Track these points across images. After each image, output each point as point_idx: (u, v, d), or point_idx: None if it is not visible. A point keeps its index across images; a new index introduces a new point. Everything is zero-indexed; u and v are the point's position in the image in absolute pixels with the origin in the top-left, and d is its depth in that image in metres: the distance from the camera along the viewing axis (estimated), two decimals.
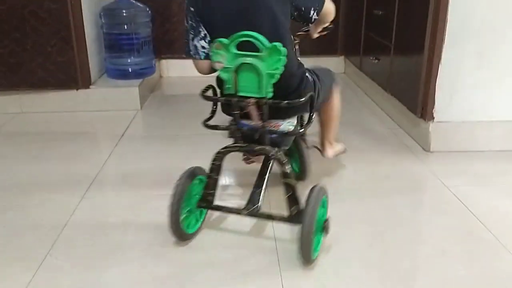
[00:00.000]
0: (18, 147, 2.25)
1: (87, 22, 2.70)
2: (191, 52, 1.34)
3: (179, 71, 3.42)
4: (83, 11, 2.64)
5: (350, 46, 3.33)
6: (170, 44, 3.43)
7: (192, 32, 1.31)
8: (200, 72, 1.41)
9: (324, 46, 3.38)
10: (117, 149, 2.18)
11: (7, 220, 1.60)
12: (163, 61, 3.49)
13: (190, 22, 1.31)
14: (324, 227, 1.33)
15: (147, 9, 2.99)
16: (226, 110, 1.35)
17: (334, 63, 3.45)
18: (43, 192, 1.79)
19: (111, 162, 2.06)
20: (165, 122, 2.61)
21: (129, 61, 2.90)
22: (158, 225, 1.50)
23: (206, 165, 1.42)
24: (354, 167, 2.00)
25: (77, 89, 2.69)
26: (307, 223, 1.22)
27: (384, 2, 2.58)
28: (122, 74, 2.89)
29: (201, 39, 1.31)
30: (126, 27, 2.86)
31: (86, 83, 2.71)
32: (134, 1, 2.94)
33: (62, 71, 2.63)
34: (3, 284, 1.28)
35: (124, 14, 2.85)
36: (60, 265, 1.36)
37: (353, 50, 3.22)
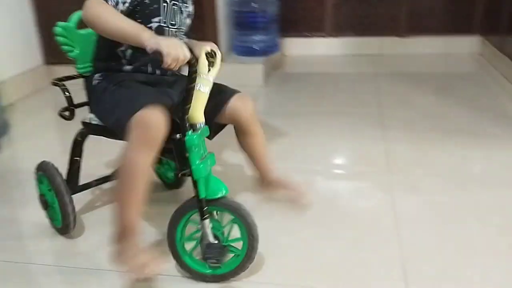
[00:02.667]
0: None
1: (219, 0, 2.85)
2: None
3: (302, 50, 3.39)
4: None
5: (489, 25, 3.07)
6: (294, 22, 3.42)
7: None
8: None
9: (457, 24, 3.13)
10: None
11: None
12: (287, 39, 3.46)
13: None
14: None
15: None
16: None
17: (468, 43, 3.21)
18: None
19: None
20: (287, 99, 2.67)
21: (255, 38, 2.99)
22: None
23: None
24: (484, 154, 1.89)
25: None
26: None
27: None
28: (248, 51, 3.00)
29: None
30: (255, 5, 2.95)
31: None
32: None
33: None
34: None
35: None
36: None
37: (494, 30, 2.98)
